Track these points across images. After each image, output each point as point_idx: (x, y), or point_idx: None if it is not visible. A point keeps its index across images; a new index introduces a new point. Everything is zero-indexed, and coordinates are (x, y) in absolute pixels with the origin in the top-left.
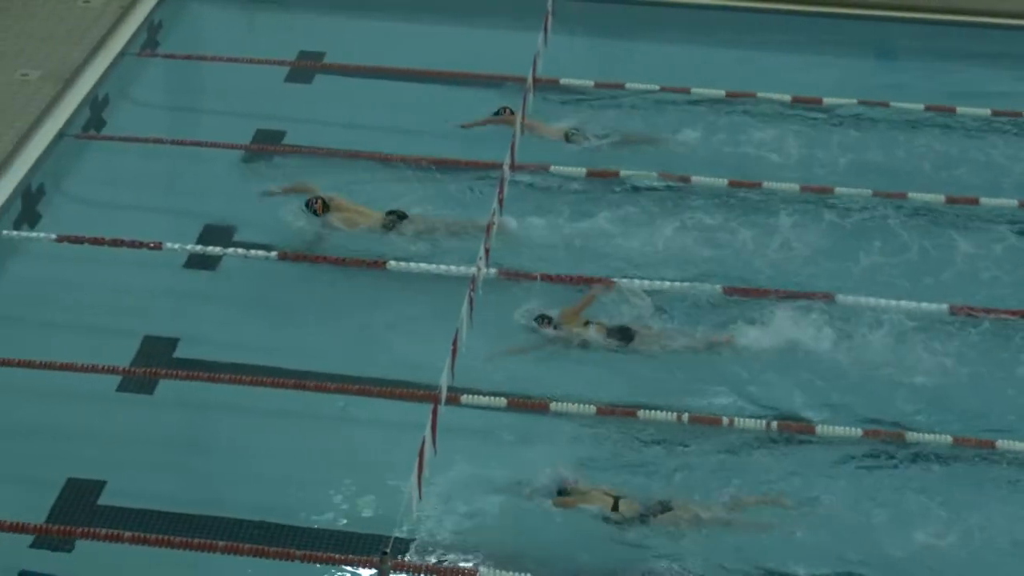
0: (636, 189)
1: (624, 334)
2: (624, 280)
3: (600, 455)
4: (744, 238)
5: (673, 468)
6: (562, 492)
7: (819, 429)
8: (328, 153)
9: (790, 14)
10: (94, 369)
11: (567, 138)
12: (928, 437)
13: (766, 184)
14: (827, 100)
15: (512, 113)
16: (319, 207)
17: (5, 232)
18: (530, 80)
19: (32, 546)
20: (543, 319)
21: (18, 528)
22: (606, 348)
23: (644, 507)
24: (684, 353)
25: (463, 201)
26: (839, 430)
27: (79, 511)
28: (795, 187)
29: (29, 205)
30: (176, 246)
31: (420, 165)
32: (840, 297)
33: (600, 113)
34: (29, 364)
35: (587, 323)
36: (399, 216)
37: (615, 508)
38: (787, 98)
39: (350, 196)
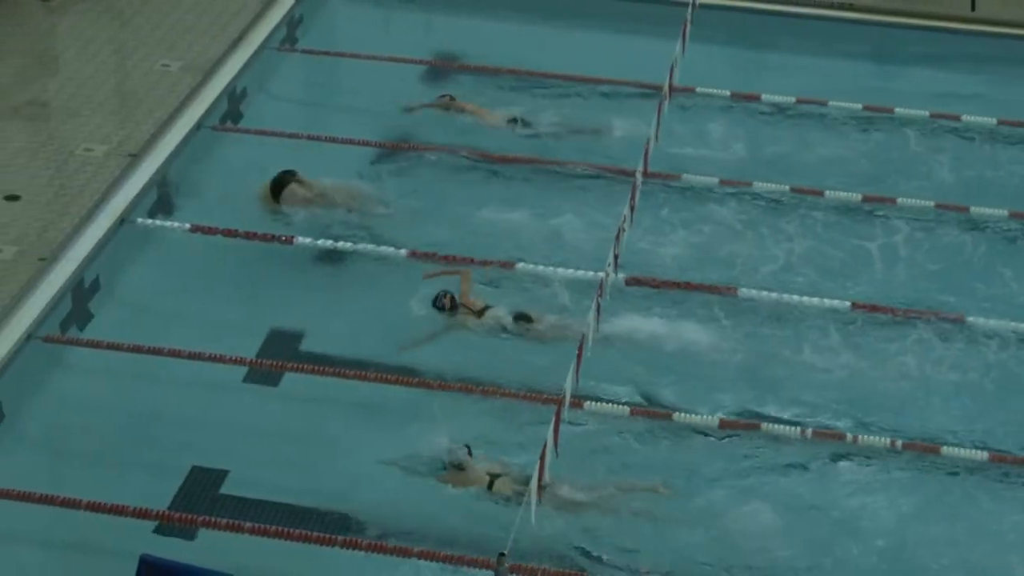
0: (761, 197)
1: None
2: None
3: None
4: (871, 253)
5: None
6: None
7: (945, 451)
8: (459, 154)
9: (929, 30)
10: (221, 359)
11: (511, 125)
12: None
13: (900, 201)
14: (965, 117)
15: (453, 100)
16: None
17: (140, 220)
18: (666, 88)
19: (155, 532)
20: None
21: (142, 514)
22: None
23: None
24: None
25: (592, 207)
26: (965, 452)
27: (201, 499)
28: (929, 204)
29: (165, 195)
30: (307, 240)
31: (551, 169)
32: (971, 319)
33: (554, 102)
34: (158, 351)
35: (486, 308)
36: None
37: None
38: (925, 114)
39: (478, 196)
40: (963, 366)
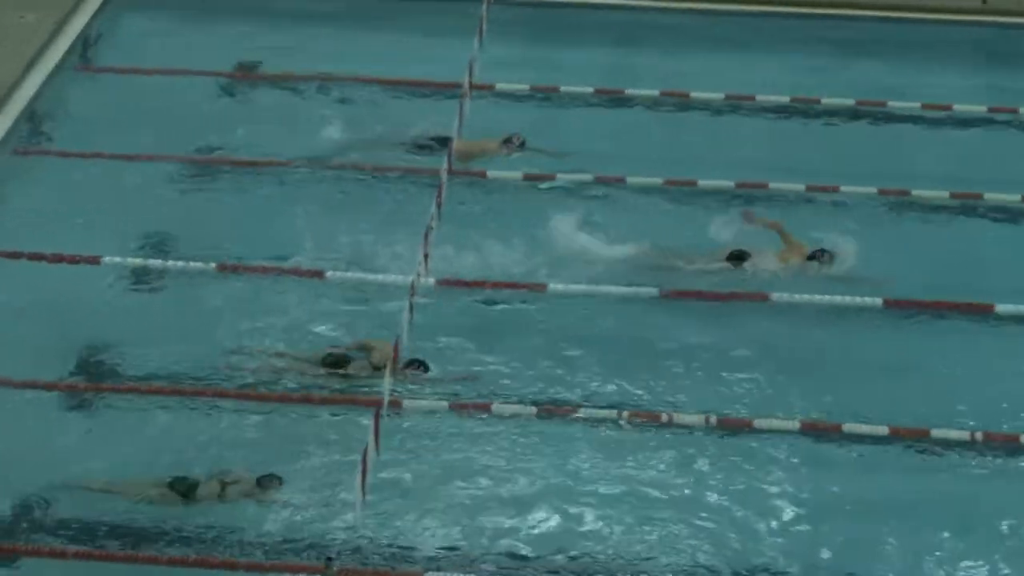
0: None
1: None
2: None
3: None
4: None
5: None
6: None
7: None
8: (269, 163)
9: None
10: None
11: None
12: None
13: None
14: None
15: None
16: None
17: None
18: (466, 85)
19: None
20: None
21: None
22: None
23: None
24: None
25: (394, 206)
26: None
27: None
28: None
29: None
30: (116, 259)
31: (355, 169)
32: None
33: None
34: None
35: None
36: None
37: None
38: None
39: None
40: None
